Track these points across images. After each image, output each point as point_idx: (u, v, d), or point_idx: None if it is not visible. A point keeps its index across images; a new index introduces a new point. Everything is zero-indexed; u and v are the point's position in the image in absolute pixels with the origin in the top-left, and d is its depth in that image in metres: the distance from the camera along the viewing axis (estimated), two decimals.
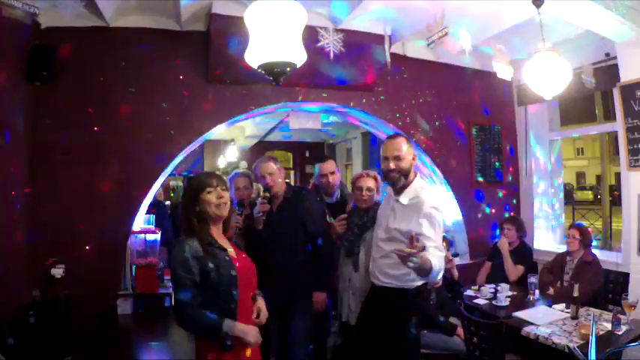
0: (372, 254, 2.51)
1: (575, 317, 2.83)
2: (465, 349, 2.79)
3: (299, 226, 2.75)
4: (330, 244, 2.85)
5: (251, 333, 1.75)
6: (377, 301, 2.45)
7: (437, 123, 4.82)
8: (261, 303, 1.89)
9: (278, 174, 2.82)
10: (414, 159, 2.36)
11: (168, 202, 8.28)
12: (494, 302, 3.24)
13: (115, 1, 3.49)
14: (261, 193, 2.82)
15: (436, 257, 2.04)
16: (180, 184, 9.59)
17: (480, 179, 5.04)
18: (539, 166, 5.10)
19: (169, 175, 4.73)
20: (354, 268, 2.74)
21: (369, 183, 2.73)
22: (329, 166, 3.22)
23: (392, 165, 2.29)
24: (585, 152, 24.29)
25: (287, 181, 3.02)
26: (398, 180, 2.31)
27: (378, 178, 2.77)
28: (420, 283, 2.31)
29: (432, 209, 2.19)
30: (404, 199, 2.30)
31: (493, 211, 5.01)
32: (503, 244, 3.95)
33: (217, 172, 3.25)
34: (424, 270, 1.97)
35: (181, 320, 1.73)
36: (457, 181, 4.88)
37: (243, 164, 9.75)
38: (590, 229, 3.81)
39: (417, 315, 2.37)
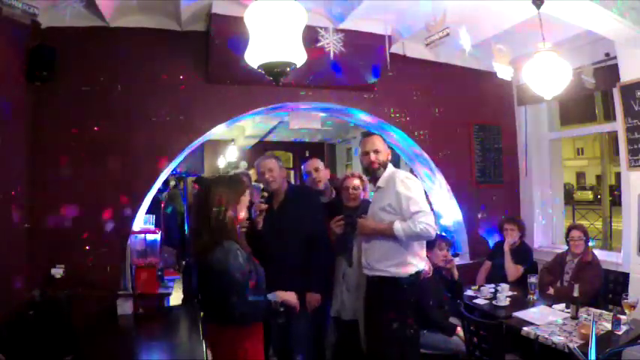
0: (362, 247, 2.66)
1: (575, 317, 2.83)
2: (465, 349, 2.79)
3: (300, 225, 2.75)
4: (327, 244, 2.86)
5: (292, 296, 2.01)
6: (373, 292, 2.57)
7: (437, 123, 4.82)
8: None
9: (278, 171, 2.84)
10: (388, 154, 2.72)
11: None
12: (494, 302, 3.24)
13: (115, 1, 3.48)
14: (261, 194, 2.82)
15: (403, 222, 2.41)
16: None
17: (480, 179, 5.03)
18: (539, 166, 5.09)
19: (170, 174, 4.72)
20: (347, 263, 2.88)
21: (355, 182, 3.00)
22: (313, 162, 3.31)
23: (372, 157, 2.64)
24: (585, 152, 24.30)
25: (288, 180, 3.03)
26: (378, 170, 2.66)
27: (363, 177, 3.04)
28: (412, 271, 2.49)
29: (405, 178, 2.55)
30: (381, 182, 2.65)
31: (493, 211, 5.00)
32: (508, 244, 3.96)
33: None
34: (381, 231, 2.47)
35: (247, 316, 1.85)
36: (457, 181, 4.88)
37: (243, 164, 9.73)
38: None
39: (412, 304, 2.51)
